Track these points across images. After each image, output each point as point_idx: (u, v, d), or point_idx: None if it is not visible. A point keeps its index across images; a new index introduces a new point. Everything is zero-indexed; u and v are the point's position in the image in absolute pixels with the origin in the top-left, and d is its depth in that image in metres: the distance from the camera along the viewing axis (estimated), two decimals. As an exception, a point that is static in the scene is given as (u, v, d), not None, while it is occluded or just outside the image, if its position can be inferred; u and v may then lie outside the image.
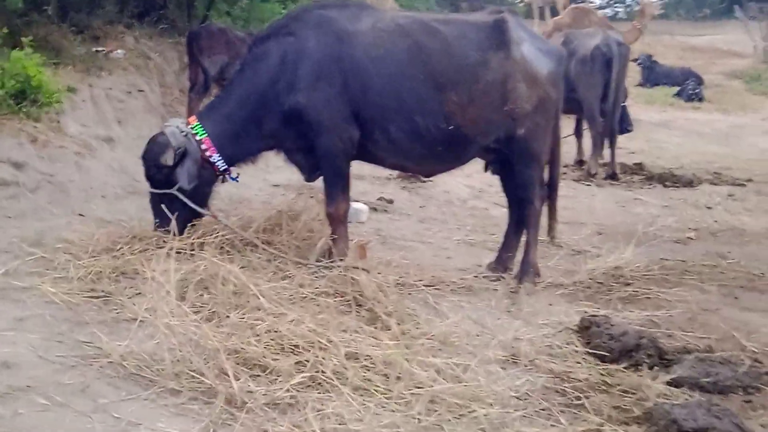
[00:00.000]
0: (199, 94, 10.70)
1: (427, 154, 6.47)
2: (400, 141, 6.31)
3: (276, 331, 5.04)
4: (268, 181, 9.72)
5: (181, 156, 6.27)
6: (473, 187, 11.23)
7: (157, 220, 6.50)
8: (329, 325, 5.18)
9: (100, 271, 5.84)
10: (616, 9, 46.22)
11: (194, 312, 5.31)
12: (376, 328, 5.45)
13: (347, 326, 5.32)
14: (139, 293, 5.58)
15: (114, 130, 9.59)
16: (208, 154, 6.33)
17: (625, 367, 5.14)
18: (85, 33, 11.42)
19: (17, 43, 8.61)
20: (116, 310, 5.31)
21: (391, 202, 9.71)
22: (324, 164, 6.44)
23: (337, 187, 6.46)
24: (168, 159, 6.22)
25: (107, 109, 9.95)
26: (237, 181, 6.82)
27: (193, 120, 6.48)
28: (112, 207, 7.83)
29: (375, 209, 9.34)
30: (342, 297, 6.01)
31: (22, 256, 6.09)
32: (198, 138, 6.32)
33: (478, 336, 5.74)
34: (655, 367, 5.10)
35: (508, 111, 6.43)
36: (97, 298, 5.45)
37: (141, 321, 4.92)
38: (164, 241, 6.32)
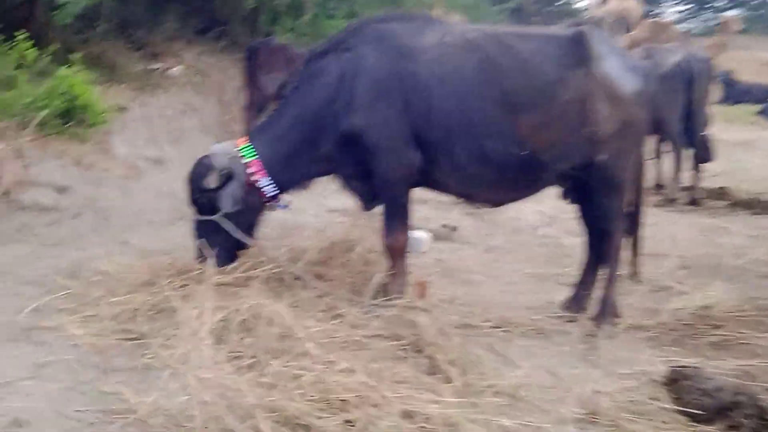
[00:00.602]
0: (256, 113, 10.21)
1: (496, 181, 5.83)
2: (467, 167, 5.69)
3: (323, 383, 4.42)
4: (324, 206, 9.19)
5: (226, 179, 5.77)
6: (544, 214, 10.47)
7: (199, 251, 5.98)
8: (383, 377, 4.57)
9: (136, 309, 5.33)
10: (692, 24, 44.62)
11: (234, 357, 4.82)
12: (436, 379, 4.79)
13: (403, 376, 4.73)
14: (176, 334, 5.02)
15: (165, 151, 9.20)
16: (255, 178, 5.79)
17: (720, 429, 4.49)
18: (143, 49, 11.07)
19: (68, 60, 8.21)
20: (149, 354, 4.76)
21: (455, 229, 9.06)
22: (382, 191, 5.87)
23: (396, 217, 5.88)
24: (211, 182, 5.75)
25: (159, 129, 9.57)
26: (287, 209, 6.22)
27: (243, 141, 5.94)
28: (157, 234, 7.35)
29: (438, 237, 8.68)
30: (398, 341, 5.41)
31: (54, 290, 5.65)
32: (245, 160, 5.76)
33: (551, 389, 5.07)
34: (756, 430, 4.42)
35: (587, 134, 5.75)
36: (130, 340, 4.96)
37: (172, 371, 4.33)
38: (207, 275, 5.76)
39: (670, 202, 11.95)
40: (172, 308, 5.43)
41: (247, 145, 5.86)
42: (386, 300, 5.75)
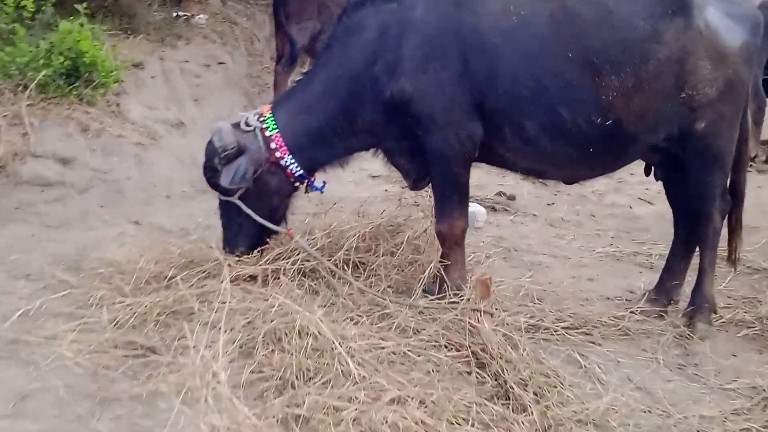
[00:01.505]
0: (287, 68, 9.30)
1: (573, 156, 4.97)
2: (538, 140, 4.85)
3: (369, 420, 3.68)
4: (366, 171, 8.26)
5: (234, 155, 4.99)
6: (610, 177, 9.47)
7: (225, 238, 5.34)
8: (442, 408, 3.81)
9: (145, 313, 4.57)
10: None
11: (260, 377, 4.09)
12: (506, 407, 4.00)
13: (466, 405, 3.99)
14: (191, 346, 4.26)
15: (186, 112, 8.38)
16: (278, 155, 5.02)
17: None
18: (165, -5, 10.15)
19: (74, 11, 7.36)
20: (156, 376, 4.00)
21: (512, 198, 8.18)
22: (435, 170, 5.08)
23: (452, 200, 5.09)
24: (215, 162, 5.03)
25: (180, 87, 8.76)
26: (322, 191, 5.50)
27: (267, 110, 5.12)
28: (176, 211, 6.60)
29: (493, 208, 7.83)
30: (458, 351, 4.63)
31: (51, 287, 4.91)
32: (268, 133, 5.04)
33: (647, 414, 4.27)
34: None
35: (685, 99, 4.83)
36: (135, 357, 4.18)
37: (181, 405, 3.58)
38: (229, 266, 5.01)
39: (750, 160, 10.83)
40: (188, 310, 4.65)
41: (269, 115, 5.10)
42: (441, 297, 5.06)
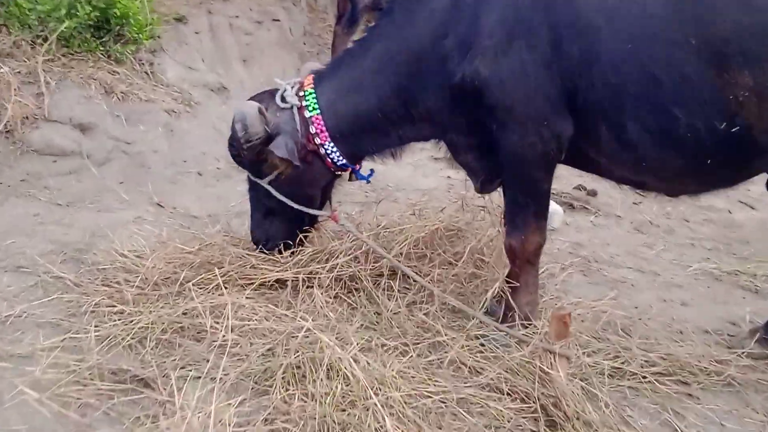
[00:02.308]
0: (347, 29, 8.42)
1: (683, 168, 4.08)
2: (642, 146, 3.98)
3: None
4: (427, 152, 7.36)
5: (263, 143, 4.31)
6: (706, 174, 8.45)
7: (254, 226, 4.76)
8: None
9: (144, 328, 3.82)
10: None
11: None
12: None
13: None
14: (192, 376, 3.55)
15: (231, 74, 7.62)
16: (318, 141, 4.37)
17: None
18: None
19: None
20: (144, 420, 3.26)
21: (593, 194, 7.24)
22: (510, 173, 4.26)
23: (528, 210, 4.27)
24: (238, 146, 4.35)
25: (227, 45, 7.97)
26: (368, 181, 4.84)
27: (309, 83, 4.40)
28: (207, 192, 5.88)
29: (571, 206, 6.90)
30: (523, 403, 3.80)
31: (43, 286, 4.22)
32: (307, 114, 4.35)
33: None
34: None
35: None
36: (124, 392, 3.43)
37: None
38: (253, 268, 4.51)
39: None
40: (197, 327, 3.91)
41: (310, 90, 4.38)
42: (507, 325, 4.29)
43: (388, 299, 4.52)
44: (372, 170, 4.71)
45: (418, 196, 6.25)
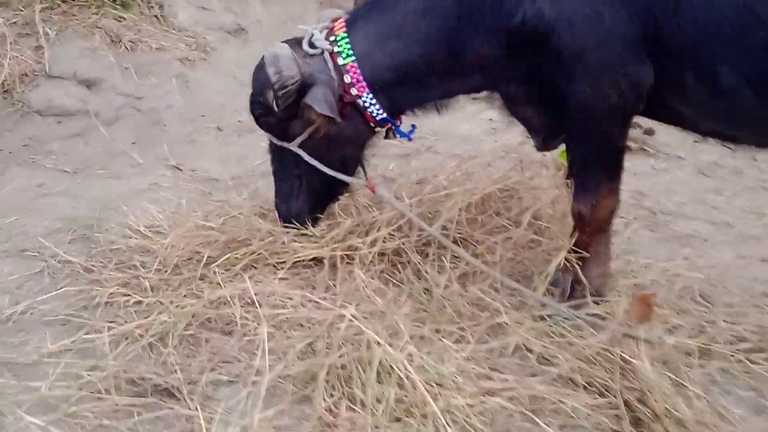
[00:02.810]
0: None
1: (787, 117, 3.48)
2: (738, 94, 3.43)
3: None
4: (478, 105, 6.74)
5: (296, 91, 3.79)
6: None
7: (277, 200, 4.24)
8: None
9: (163, 324, 3.36)
10: None
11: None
12: None
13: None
14: (224, 381, 3.12)
15: (250, 13, 7.02)
16: (354, 92, 3.81)
17: None
18: None
19: None
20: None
21: (650, 132, 6.65)
22: (578, 128, 3.70)
23: (600, 171, 3.76)
24: (269, 98, 3.82)
25: (246, -17, 7.30)
26: (410, 138, 4.26)
27: (340, 27, 3.88)
28: (228, 150, 5.44)
29: (628, 147, 6.23)
30: (602, 395, 3.32)
31: (50, 272, 3.83)
32: (341, 62, 3.81)
33: None
34: None
35: None
36: (145, 405, 3.00)
37: None
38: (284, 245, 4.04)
39: None
40: (226, 318, 3.48)
41: (342, 34, 3.85)
42: (576, 302, 3.79)
43: (439, 272, 4.02)
44: (414, 126, 4.19)
45: (459, 144, 5.72)
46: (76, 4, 5.55)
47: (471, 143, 6.08)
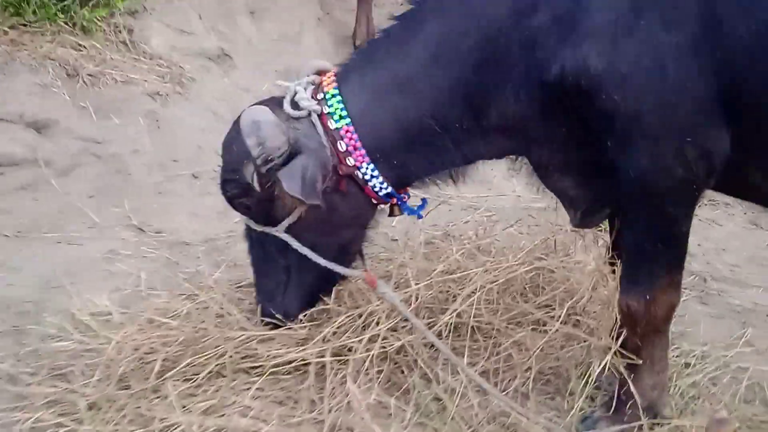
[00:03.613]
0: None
1: None
2: None
3: None
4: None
5: (284, 163, 3.10)
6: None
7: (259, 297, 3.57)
8: None
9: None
10: None
11: None
12: None
13: None
14: None
15: (237, 34, 6.27)
16: (351, 162, 3.19)
17: None
18: None
19: None
20: None
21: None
22: (634, 207, 3.04)
23: (658, 259, 3.09)
24: (247, 173, 3.18)
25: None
26: (420, 216, 3.59)
27: (330, 80, 3.22)
28: (204, 203, 4.81)
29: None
30: None
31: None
32: (333, 125, 3.16)
33: None
34: None
35: None
36: None
37: None
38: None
39: None
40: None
41: (332, 91, 3.20)
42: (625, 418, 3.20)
43: (453, 374, 3.31)
44: (424, 200, 3.48)
45: (474, 190, 4.98)
46: (27, 32, 4.83)
47: (488, 189, 5.33)
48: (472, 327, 3.60)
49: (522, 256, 3.68)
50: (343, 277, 3.53)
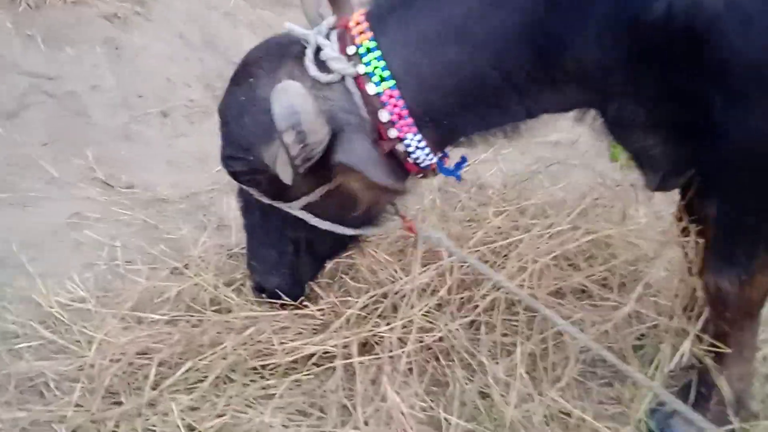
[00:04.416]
0: None
1: None
2: None
3: None
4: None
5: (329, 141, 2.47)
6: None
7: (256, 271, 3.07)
8: None
9: None
10: None
11: None
12: None
13: None
14: None
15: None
16: (394, 134, 2.55)
17: None
18: None
19: None
20: None
21: None
22: (737, 175, 2.53)
23: (762, 236, 2.63)
24: (269, 157, 2.57)
25: None
26: (459, 178, 2.98)
27: (362, 31, 2.53)
28: (179, 145, 4.29)
29: None
30: None
31: None
32: (373, 90, 2.49)
33: None
34: None
35: None
36: None
37: None
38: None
39: None
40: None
41: (370, 44, 2.50)
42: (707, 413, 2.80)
43: (498, 360, 2.87)
44: (464, 158, 2.92)
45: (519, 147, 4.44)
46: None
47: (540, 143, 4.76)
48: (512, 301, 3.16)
49: (573, 217, 3.18)
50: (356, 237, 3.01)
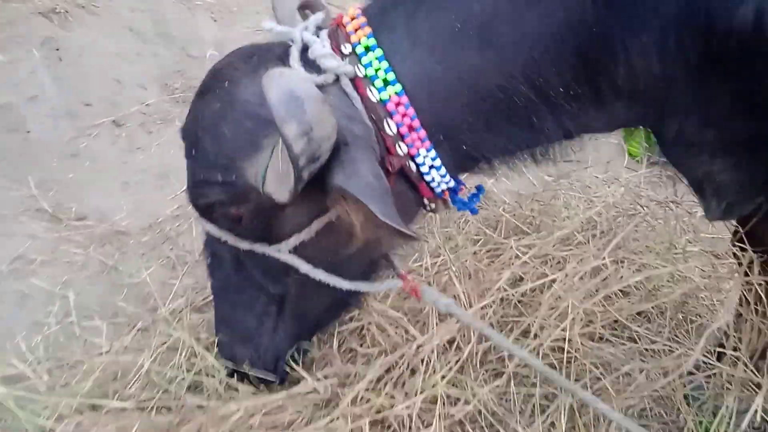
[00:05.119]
0: None
1: None
2: None
3: None
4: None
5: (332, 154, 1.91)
6: None
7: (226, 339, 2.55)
8: None
9: None
10: None
11: None
12: None
13: None
14: None
15: None
16: (404, 149, 2.08)
17: None
18: None
19: None
20: None
21: None
22: None
23: None
24: (250, 172, 2.00)
25: None
26: (474, 211, 2.52)
27: (358, 27, 2.05)
28: (135, 161, 3.77)
29: None
30: None
31: None
32: (375, 96, 2.04)
33: None
34: None
35: None
36: None
37: None
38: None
39: None
40: None
41: (368, 41, 2.06)
42: None
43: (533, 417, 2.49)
44: (480, 188, 2.48)
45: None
46: None
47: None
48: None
49: (610, 249, 2.73)
50: (358, 297, 2.53)
